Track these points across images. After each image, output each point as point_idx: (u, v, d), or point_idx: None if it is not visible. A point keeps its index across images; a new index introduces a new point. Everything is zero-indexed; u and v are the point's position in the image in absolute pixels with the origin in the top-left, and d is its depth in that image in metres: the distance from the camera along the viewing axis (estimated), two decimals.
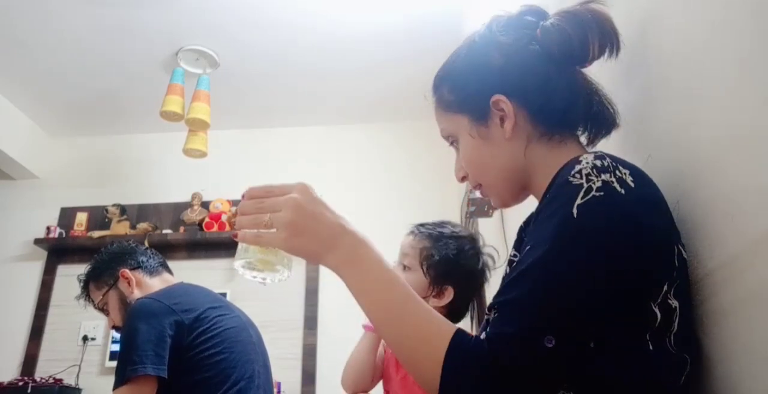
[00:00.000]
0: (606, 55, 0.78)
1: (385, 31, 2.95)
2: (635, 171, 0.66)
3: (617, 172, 0.64)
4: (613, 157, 0.66)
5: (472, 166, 0.82)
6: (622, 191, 0.62)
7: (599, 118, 0.80)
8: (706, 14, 0.66)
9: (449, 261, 1.28)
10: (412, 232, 1.34)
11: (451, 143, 0.86)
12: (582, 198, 0.62)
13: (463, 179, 0.86)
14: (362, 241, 0.69)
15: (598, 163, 0.64)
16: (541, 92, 0.77)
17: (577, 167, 0.64)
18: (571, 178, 0.64)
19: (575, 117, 0.79)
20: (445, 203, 3.04)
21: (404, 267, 1.30)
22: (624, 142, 0.88)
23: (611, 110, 0.81)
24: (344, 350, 3.63)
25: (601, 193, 0.62)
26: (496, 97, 0.78)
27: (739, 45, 0.59)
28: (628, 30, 0.88)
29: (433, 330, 0.62)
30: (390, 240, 3.80)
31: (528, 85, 0.77)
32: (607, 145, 0.86)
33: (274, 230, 0.69)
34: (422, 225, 1.35)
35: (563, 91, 0.77)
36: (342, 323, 3.33)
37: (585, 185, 0.62)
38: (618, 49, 0.78)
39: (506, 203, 0.84)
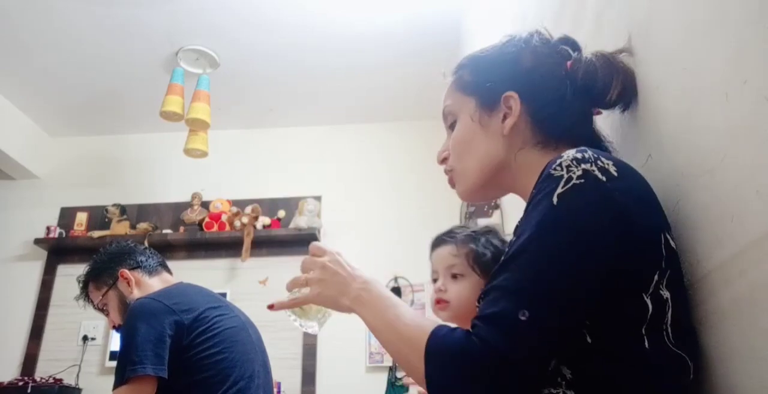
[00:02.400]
0: (619, 107, 0.82)
1: (385, 31, 2.96)
2: (619, 162, 0.68)
3: (599, 162, 0.66)
4: (595, 151, 0.68)
5: (458, 147, 0.85)
6: (604, 179, 0.64)
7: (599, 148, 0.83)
8: (706, 13, 0.66)
9: (501, 254, 1.24)
10: (444, 241, 1.26)
11: (449, 125, 0.88)
12: (562, 187, 0.64)
13: (443, 161, 0.89)
14: (367, 282, 0.80)
15: (579, 155, 0.67)
16: (553, 106, 0.80)
17: (558, 161, 0.67)
18: (553, 171, 0.67)
19: (578, 135, 0.80)
20: (445, 203, 3.04)
21: (454, 276, 1.20)
22: (624, 142, 0.88)
23: (609, 149, 0.84)
24: (344, 350, 3.64)
25: (582, 181, 0.64)
26: (510, 93, 0.80)
27: (739, 44, 0.59)
28: (629, 29, 0.88)
29: (418, 330, 0.68)
30: (390, 239, 3.78)
31: (543, 95, 0.80)
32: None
33: (307, 289, 0.86)
34: (448, 233, 1.27)
35: (574, 111, 0.80)
36: (342, 323, 3.33)
37: (565, 176, 0.65)
38: (630, 105, 0.82)
39: (471, 193, 0.86)
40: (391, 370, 3.31)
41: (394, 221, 3.43)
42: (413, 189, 3.48)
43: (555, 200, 0.64)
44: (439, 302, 1.20)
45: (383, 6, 2.80)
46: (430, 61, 3.09)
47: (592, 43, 0.99)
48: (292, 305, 0.88)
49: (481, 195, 0.88)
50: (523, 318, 0.59)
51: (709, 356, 0.64)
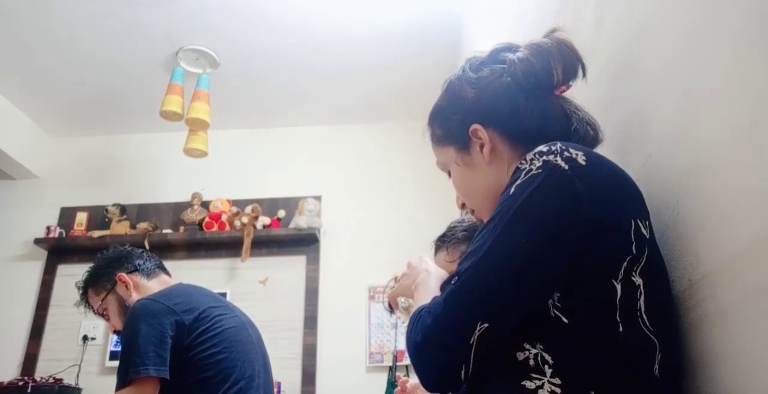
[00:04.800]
0: (574, 78, 0.84)
1: (385, 31, 2.96)
2: (590, 153, 0.70)
3: (565, 153, 0.68)
4: (565, 144, 0.70)
5: (462, 192, 0.90)
6: (566, 167, 0.67)
7: (580, 135, 0.83)
8: (706, 13, 0.66)
9: None
10: (438, 248, 1.29)
11: (449, 176, 0.93)
12: (522, 178, 0.69)
13: (462, 206, 0.94)
14: (428, 273, 0.92)
15: (544, 148, 0.70)
16: (512, 117, 0.82)
17: (526, 156, 0.71)
18: (519, 165, 0.71)
19: (550, 134, 0.81)
20: (445, 203, 3.04)
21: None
22: (624, 142, 0.88)
23: (593, 128, 0.84)
24: (344, 350, 3.63)
25: (540, 171, 0.68)
26: (474, 126, 0.84)
27: (740, 44, 0.59)
28: (628, 29, 0.89)
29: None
30: (390, 239, 3.76)
31: (500, 112, 0.83)
32: (608, 145, 0.86)
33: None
34: (442, 238, 1.28)
35: (534, 113, 0.82)
36: (342, 323, 3.33)
37: (527, 168, 0.69)
38: (584, 71, 0.84)
39: None
40: (391, 370, 3.32)
41: (394, 221, 3.43)
42: (413, 189, 3.48)
43: (512, 189, 0.69)
44: None
45: (383, 6, 2.80)
46: (430, 61, 3.09)
47: (593, 43, 1.00)
48: (389, 298, 1.07)
49: None
50: (452, 283, 0.67)
51: (708, 356, 0.64)
